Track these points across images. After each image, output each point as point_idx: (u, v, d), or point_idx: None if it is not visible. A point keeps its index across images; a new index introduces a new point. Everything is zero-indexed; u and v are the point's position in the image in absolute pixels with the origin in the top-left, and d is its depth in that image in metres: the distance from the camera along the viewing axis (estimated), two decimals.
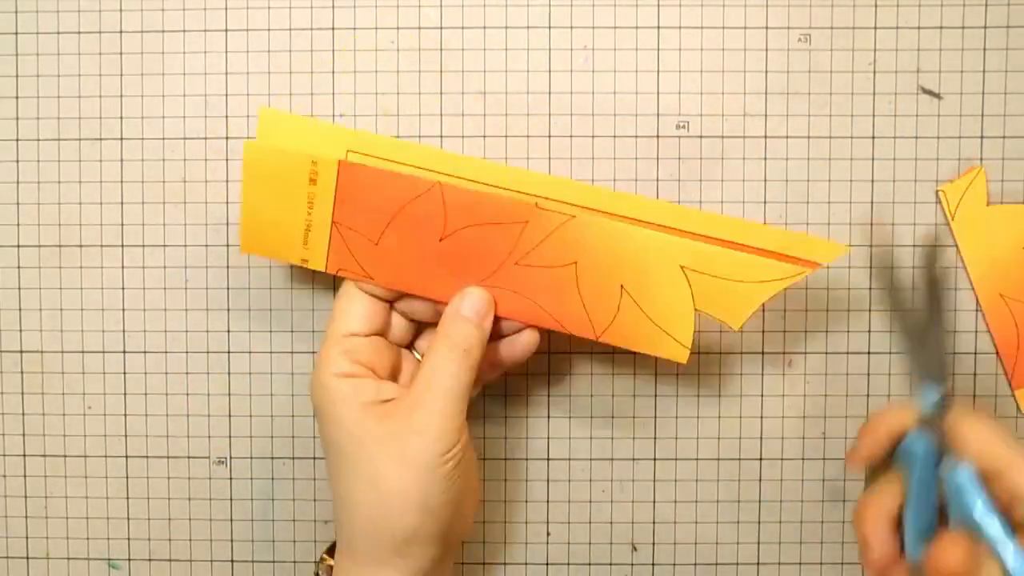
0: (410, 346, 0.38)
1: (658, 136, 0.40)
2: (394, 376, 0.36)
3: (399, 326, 0.37)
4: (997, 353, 0.40)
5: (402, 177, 0.34)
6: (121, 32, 0.40)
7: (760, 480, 0.41)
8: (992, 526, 0.28)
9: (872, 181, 0.40)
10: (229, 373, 0.41)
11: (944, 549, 0.29)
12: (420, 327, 0.37)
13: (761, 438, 0.40)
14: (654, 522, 0.41)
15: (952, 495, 0.30)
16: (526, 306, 0.35)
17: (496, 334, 0.36)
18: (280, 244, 0.35)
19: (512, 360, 0.37)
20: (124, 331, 0.41)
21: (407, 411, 0.33)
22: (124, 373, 0.41)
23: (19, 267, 0.41)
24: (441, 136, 0.40)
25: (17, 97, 0.40)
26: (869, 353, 0.40)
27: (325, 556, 0.37)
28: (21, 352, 0.41)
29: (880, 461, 0.32)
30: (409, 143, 0.35)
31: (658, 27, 0.39)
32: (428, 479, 0.32)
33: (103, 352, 0.41)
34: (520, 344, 0.36)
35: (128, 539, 0.41)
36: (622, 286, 0.34)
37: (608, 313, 0.34)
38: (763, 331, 0.40)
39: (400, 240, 0.34)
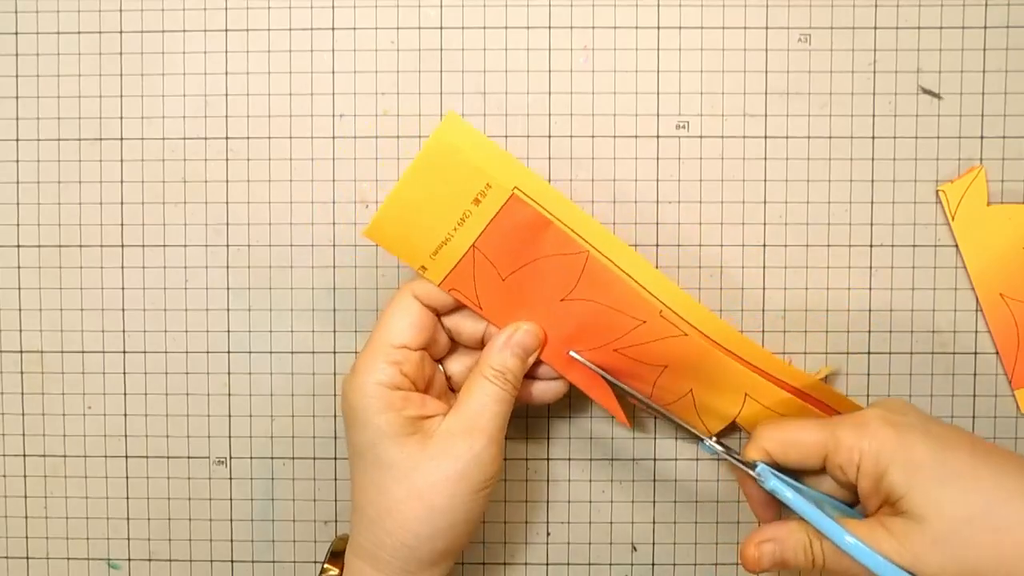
0: (440, 360, 0.38)
1: (658, 136, 0.40)
2: (428, 390, 0.36)
3: (441, 342, 0.37)
4: (997, 353, 0.40)
5: (560, 233, 0.34)
6: (121, 32, 0.40)
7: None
8: (805, 509, 0.31)
9: (872, 181, 0.40)
10: (229, 373, 0.41)
11: (742, 551, 0.33)
12: (454, 346, 0.38)
13: None
14: (654, 522, 0.41)
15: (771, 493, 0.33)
16: (598, 385, 0.37)
17: (533, 375, 0.37)
18: (409, 244, 0.34)
19: (540, 401, 0.38)
20: (124, 331, 0.41)
21: (465, 435, 0.33)
22: (124, 373, 0.41)
23: (19, 267, 0.41)
24: None
25: (17, 97, 0.40)
26: (869, 353, 0.40)
27: (328, 566, 0.36)
28: (21, 352, 0.41)
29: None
30: (571, 204, 0.35)
31: (658, 27, 0.39)
32: (474, 500, 0.33)
33: (103, 352, 0.41)
34: (552, 391, 0.37)
35: (128, 539, 0.41)
36: (691, 391, 0.37)
37: (667, 400, 0.37)
38: (763, 331, 0.40)
39: (525, 285, 0.35)
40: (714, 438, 0.35)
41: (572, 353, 0.36)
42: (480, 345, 0.37)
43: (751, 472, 0.33)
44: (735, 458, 0.34)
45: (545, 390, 0.37)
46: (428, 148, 0.34)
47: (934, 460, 0.30)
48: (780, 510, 0.35)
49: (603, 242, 0.35)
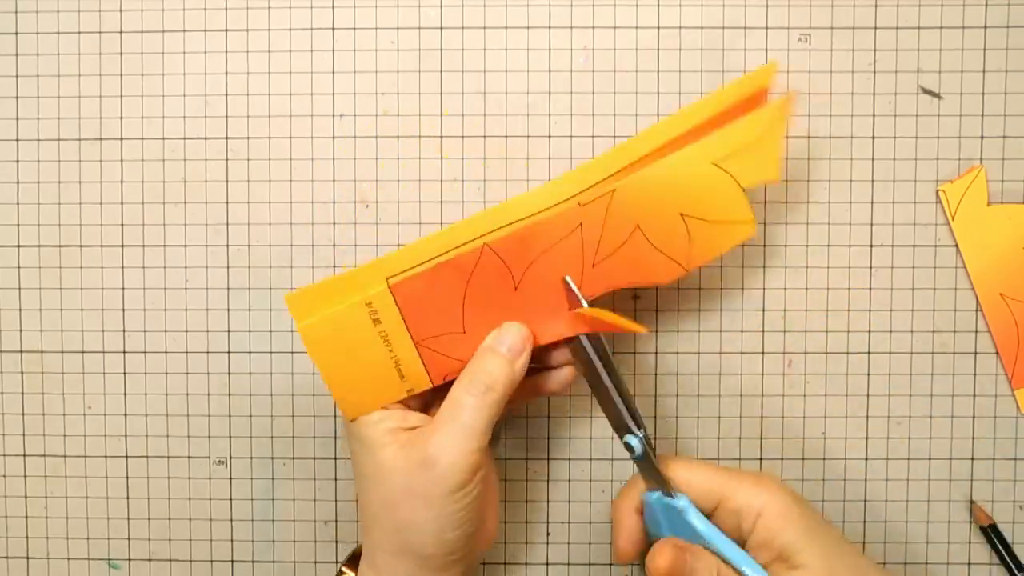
0: None
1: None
2: (426, 408, 0.36)
3: None
4: (997, 353, 0.40)
5: (450, 262, 0.34)
6: (121, 32, 0.40)
7: None
8: (720, 541, 0.33)
9: (872, 181, 0.40)
10: (229, 373, 0.41)
11: (654, 554, 0.32)
12: None
13: (761, 438, 0.40)
14: None
15: (672, 518, 0.34)
16: (620, 283, 0.35)
17: (544, 364, 0.36)
18: (380, 392, 0.35)
19: (549, 392, 0.37)
20: (124, 331, 0.41)
21: (423, 443, 0.33)
22: (124, 373, 0.41)
23: (19, 267, 0.41)
24: (441, 136, 0.40)
25: (17, 97, 0.40)
26: (869, 353, 0.40)
27: (345, 568, 0.37)
28: (21, 352, 0.41)
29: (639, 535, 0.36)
30: (435, 234, 0.34)
31: (658, 27, 0.39)
32: (440, 514, 0.32)
33: (103, 352, 0.41)
34: (559, 379, 0.36)
35: (128, 539, 0.41)
36: (682, 214, 0.34)
37: (683, 244, 0.35)
38: (763, 331, 0.40)
39: (481, 314, 0.34)
40: (642, 436, 0.34)
41: (567, 278, 0.34)
42: None
43: (670, 495, 0.34)
44: (655, 475, 0.34)
45: (552, 379, 0.36)
46: (305, 339, 0.34)
47: (822, 528, 0.33)
48: (644, 548, 0.35)
49: (489, 221, 0.34)
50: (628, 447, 0.34)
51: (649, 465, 0.34)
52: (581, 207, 0.34)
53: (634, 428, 0.34)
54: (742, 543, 0.33)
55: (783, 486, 0.34)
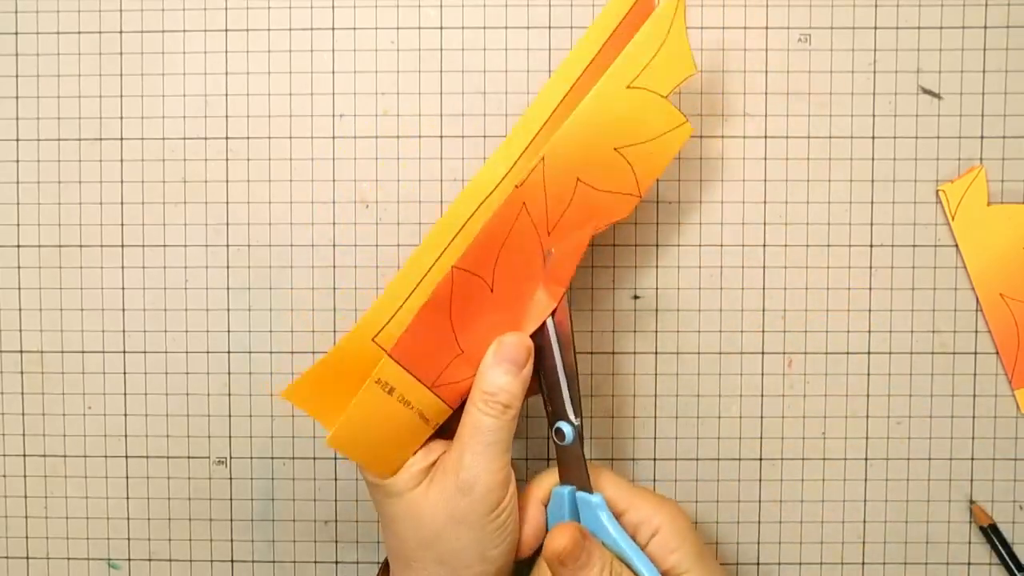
0: None
1: None
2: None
3: None
4: (997, 353, 0.40)
5: (429, 302, 0.33)
6: (121, 32, 0.40)
7: (760, 480, 0.41)
8: (626, 542, 0.34)
9: (872, 181, 0.40)
10: (229, 373, 0.41)
11: (555, 534, 0.32)
12: None
13: (761, 438, 0.40)
14: None
15: (586, 514, 0.34)
16: (585, 235, 0.35)
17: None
18: (408, 442, 0.34)
19: None
20: (124, 331, 0.41)
21: (454, 471, 0.33)
22: (124, 373, 0.41)
23: (19, 267, 0.41)
24: (441, 136, 0.40)
25: (17, 97, 0.40)
26: (869, 353, 0.40)
27: None
28: (21, 352, 0.41)
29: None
30: (400, 272, 0.35)
31: None
32: (482, 535, 0.33)
33: (103, 352, 0.41)
34: None
35: (128, 539, 0.41)
36: (616, 148, 0.35)
37: (627, 175, 0.35)
38: (763, 331, 0.40)
39: (471, 329, 0.34)
40: (576, 424, 0.34)
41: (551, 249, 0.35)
42: None
43: (589, 490, 0.34)
44: (576, 469, 0.34)
45: None
46: (338, 446, 0.33)
47: (708, 557, 0.35)
48: (541, 542, 0.35)
49: (444, 234, 0.35)
50: (559, 433, 0.34)
51: (574, 457, 0.34)
52: (518, 188, 0.34)
53: (571, 416, 0.34)
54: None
55: (681, 511, 0.35)
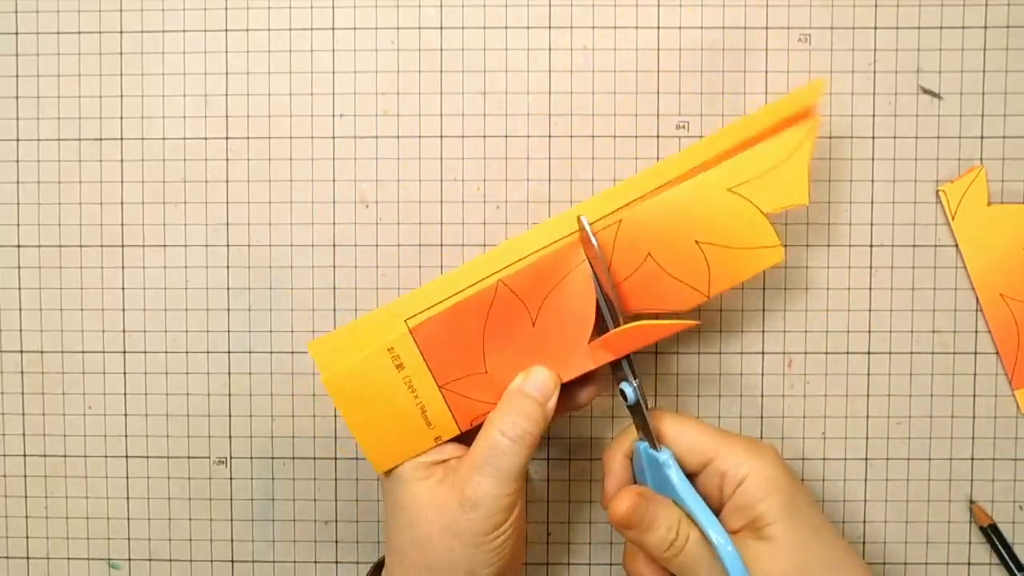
0: None
1: (658, 136, 0.40)
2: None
3: None
4: (997, 353, 0.40)
5: (467, 301, 0.34)
6: (121, 32, 0.40)
7: None
8: (691, 498, 0.33)
9: (872, 181, 0.40)
10: (229, 373, 0.41)
11: (618, 500, 0.33)
12: None
13: (761, 438, 0.40)
14: None
15: (654, 470, 0.34)
16: (636, 311, 0.35)
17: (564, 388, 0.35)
18: (408, 442, 0.35)
19: (572, 409, 0.37)
20: (124, 331, 0.41)
21: (461, 484, 0.33)
22: (124, 373, 0.41)
23: (19, 267, 0.41)
24: (441, 136, 0.40)
25: (17, 97, 0.40)
26: (869, 353, 0.40)
27: None
28: (21, 352, 0.41)
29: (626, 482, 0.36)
30: (449, 273, 0.35)
31: (658, 27, 0.39)
32: (475, 553, 0.32)
33: (103, 352, 0.41)
34: (587, 394, 0.36)
35: (128, 539, 0.41)
36: (696, 241, 0.34)
37: (701, 271, 0.35)
38: (763, 331, 0.40)
39: (501, 353, 0.34)
40: (635, 385, 0.34)
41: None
42: None
43: (654, 447, 0.34)
44: (644, 426, 0.34)
45: (577, 398, 0.36)
46: (331, 390, 0.34)
47: (809, 509, 0.33)
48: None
49: (499, 259, 0.35)
50: (623, 394, 0.34)
51: (640, 415, 0.34)
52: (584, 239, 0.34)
53: (630, 377, 0.34)
54: (720, 507, 0.33)
55: (776, 458, 0.33)
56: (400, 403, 0.34)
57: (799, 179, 0.34)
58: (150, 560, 0.41)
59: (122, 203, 0.40)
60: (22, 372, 0.41)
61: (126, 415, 0.41)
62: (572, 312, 0.34)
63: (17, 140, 0.40)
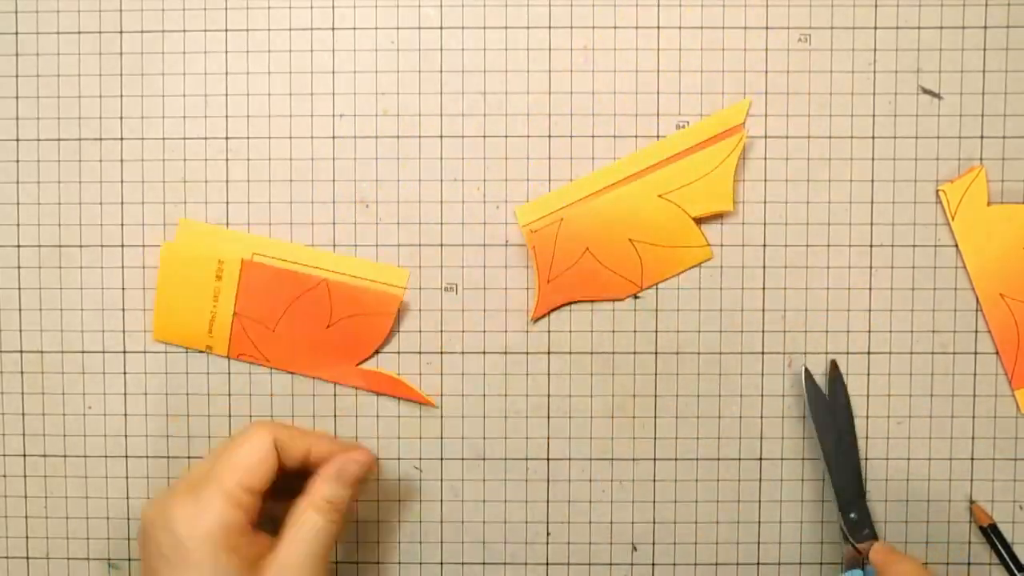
0: None
1: (658, 136, 0.40)
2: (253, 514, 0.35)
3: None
4: (997, 353, 0.40)
5: (295, 275, 0.39)
6: (121, 32, 0.40)
7: (760, 480, 0.41)
8: None
9: (872, 181, 0.40)
10: (229, 373, 0.41)
11: None
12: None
13: (761, 438, 0.40)
14: (654, 522, 0.41)
15: None
16: (575, 298, 0.40)
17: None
18: (188, 333, 0.40)
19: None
20: (124, 331, 0.41)
21: (299, 570, 0.33)
22: (124, 373, 0.41)
23: (19, 267, 0.41)
24: (441, 136, 0.40)
25: (17, 97, 0.40)
26: (869, 353, 0.40)
27: None
28: (21, 352, 0.41)
29: None
30: (305, 248, 0.39)
31: (658, 27, 0.39)
32: None
33: (103, 352, 0.41)
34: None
35: (128, 539, 0.41)
36: (630, 239, 0.39)
37: (634, 265, 0.39)
38: (763, 331, 0.40)
39: (293, 328, 0.39)
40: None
41: None
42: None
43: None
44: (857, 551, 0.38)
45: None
46: (163, 257, 0.39)
47: None
48: None
49: (344, 265, 0.39)
50: (852, 523, 0.37)
51: (867, 537, 0.37)
52: (532, 233, 0.39)
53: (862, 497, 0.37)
54: None
55: None
56: (199, 302, 0.39)
57: (724, 188, 0.39)
58: None
59: (122, 203, 0.40)
60: (22, 372, 0.41)
61: (126, 415, 0.41)
62: (360, 340, 0.39)
63: (17, 140, 0.40)
